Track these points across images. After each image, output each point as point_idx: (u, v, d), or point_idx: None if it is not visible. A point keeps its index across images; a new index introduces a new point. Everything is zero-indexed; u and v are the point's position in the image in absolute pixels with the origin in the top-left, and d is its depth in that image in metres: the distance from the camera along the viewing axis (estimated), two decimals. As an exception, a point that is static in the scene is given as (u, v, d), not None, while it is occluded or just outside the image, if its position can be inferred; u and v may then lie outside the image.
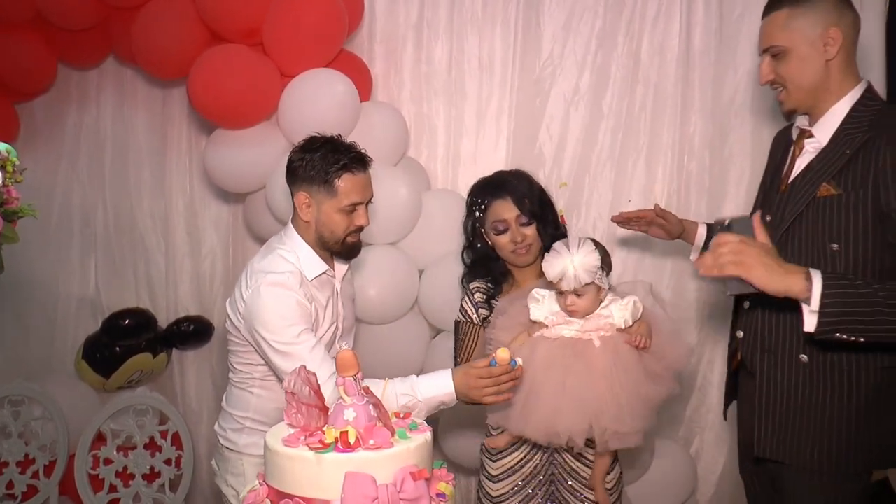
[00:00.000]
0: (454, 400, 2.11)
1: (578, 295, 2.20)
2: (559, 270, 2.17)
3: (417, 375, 2.16)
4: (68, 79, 3.70)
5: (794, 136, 2.16)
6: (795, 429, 2.04)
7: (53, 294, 3.75)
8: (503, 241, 2.50)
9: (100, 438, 3.37)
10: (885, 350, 1.94)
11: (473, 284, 2.57)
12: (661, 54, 3.24)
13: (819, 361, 2.00)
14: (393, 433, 1.61)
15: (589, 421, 2.15)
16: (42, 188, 3.64)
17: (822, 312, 1.70)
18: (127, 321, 3.51)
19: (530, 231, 2.49)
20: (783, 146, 2.23)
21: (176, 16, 3.09)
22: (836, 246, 1.95)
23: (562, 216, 3.04)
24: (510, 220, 2.48)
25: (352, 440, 1.55)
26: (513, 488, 2.45)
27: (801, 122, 2.13)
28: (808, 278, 1.71)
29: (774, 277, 1.71)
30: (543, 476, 2.45)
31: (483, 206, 2.54)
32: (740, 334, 2.22)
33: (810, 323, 1.72)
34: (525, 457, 2.45)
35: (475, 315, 2.53)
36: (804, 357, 2.01)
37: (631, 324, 2.22)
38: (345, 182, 2.20)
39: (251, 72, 3.03)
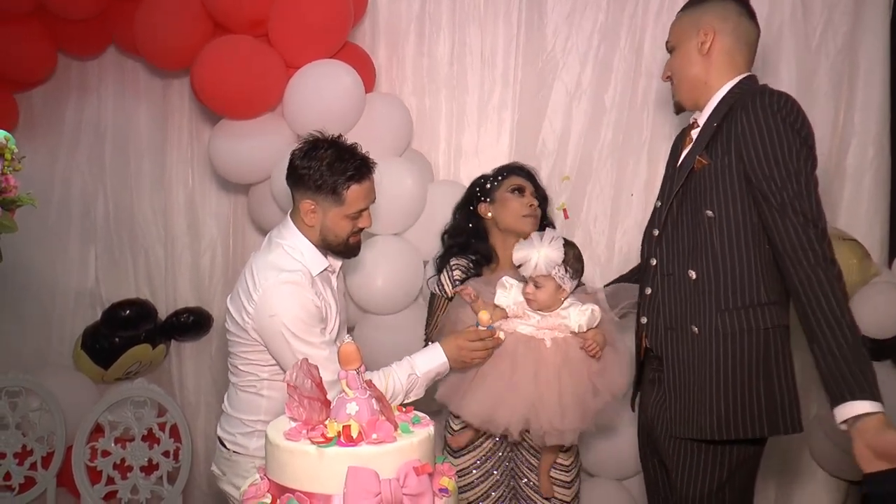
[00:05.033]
0: (447, 369, 2.32)
1: (537, 286, 2.29)
2: (524, 254, 2.28)
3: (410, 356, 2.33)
4: (68, 69, 3.67)
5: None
6: (700, 403, 2.05)
7: (52, 285, 3.73)
8: (517, 204, 2.58)
9: (98, 430, 3.36)
10: (766, 308, 2.02)
11: (454, 261, 2.62)
12: (664, 48, 3.20)
13: (707, 331, 2.04)
14: (396, 427, 1.60)
15: (527, 416, 2.25)
16: (41, 178, 3.61)
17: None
18: (127, 312, 3.50)
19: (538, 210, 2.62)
20: (680, 143, 2.29)
21: (179, 6, 3.06)
22: (710, 213, 2.03)
23: (564, 209, 3.04)
24: (527, 188, 2.62)
25: (354, 434, 1.54)
26: (473, 462, 2.52)
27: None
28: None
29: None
30: (503, 453, 2.51)
31: (500, 178, 2.64)
32: (644, 320, 2.24)
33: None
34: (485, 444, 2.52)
35: (449, 289, 2.59)
36: (695, 328, 2.06)
37: (585, 330, 2.29)
38: (352, 192, 2.24)
39: (256, 63, 3.01)
